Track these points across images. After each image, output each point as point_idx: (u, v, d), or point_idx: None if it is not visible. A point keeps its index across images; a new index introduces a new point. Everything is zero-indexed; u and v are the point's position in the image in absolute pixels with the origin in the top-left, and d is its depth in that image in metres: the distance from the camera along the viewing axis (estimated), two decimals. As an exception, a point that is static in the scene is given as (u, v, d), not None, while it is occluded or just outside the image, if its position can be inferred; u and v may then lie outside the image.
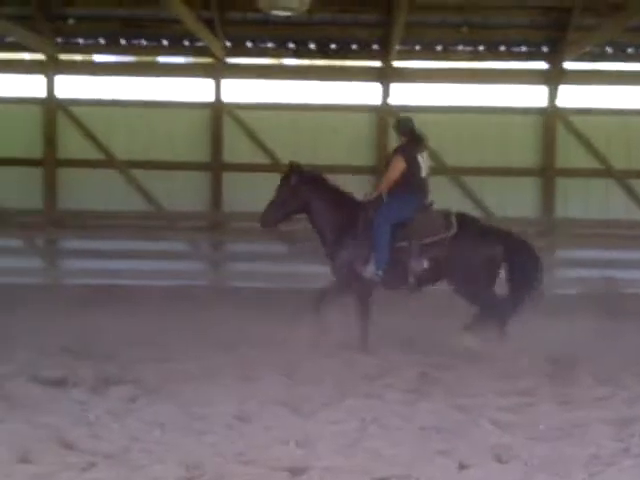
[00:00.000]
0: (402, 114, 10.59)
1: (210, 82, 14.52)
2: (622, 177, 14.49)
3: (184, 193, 14.49)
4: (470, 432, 6.37)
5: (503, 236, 9.52)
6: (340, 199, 9.89)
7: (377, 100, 14.54)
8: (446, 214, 9.55)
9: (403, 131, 9.78)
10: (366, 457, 5.79)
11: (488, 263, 9.30)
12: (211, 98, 14.52)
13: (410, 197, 9.58)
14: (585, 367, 8.56)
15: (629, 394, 7.60)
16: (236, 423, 6.51)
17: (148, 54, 14.51)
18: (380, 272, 9.36)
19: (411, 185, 9.58)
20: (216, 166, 14.51)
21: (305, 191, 9.85)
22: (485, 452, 5.89)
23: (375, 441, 6.14)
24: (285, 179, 9.97)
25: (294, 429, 6.34)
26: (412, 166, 9.58)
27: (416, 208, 9.56)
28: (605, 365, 8.62)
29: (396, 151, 9.74)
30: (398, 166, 9.55)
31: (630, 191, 14.52)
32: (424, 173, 9.70)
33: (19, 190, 14.45)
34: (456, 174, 14.44)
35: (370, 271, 9.38)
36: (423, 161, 9.68)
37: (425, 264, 9.32)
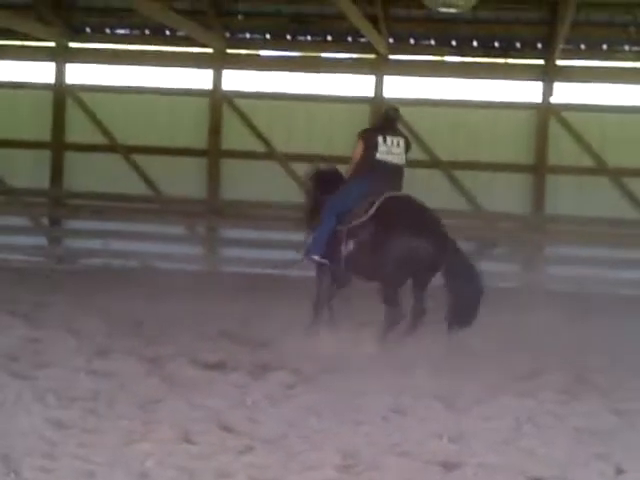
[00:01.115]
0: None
1: (371, 78, 14.65)
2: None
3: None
4: (627, 436, 6.28)
5: (426, 234, 8.81)
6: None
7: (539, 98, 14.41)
8: (379, 196, 9.07)
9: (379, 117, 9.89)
10: (520, 456, 5.78)
11: (393, 256, 8.77)
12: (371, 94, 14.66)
13: (357, 183, 9.27)
14: None
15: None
16: (391, 415, 6.59)
17: (313, 50, 14.74)
18: (315, 257, 9.26)
19: (363, 169, 9.26)
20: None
21: (319, 194, 9.82)
22: (641, 457, 5.80)
23: (529, 440, 6.11)
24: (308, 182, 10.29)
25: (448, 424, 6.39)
26: (369, 148, 9.26)
27: (363, 193, 9.16)
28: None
29: (358, 135, 9.50)
30: (357, 149, 9.34)
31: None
32: (384, 156, 9.23)
33: (185, 179, 14.93)
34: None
35: (304, 255, 9.47)
36: (386, 145, 9.24)
37: (351, 247, 9.05)
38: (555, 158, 14.34)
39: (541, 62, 14.40)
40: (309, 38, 14.68)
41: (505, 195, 14.42)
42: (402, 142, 9.37)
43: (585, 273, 13.83)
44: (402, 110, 14.19)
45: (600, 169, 14.26)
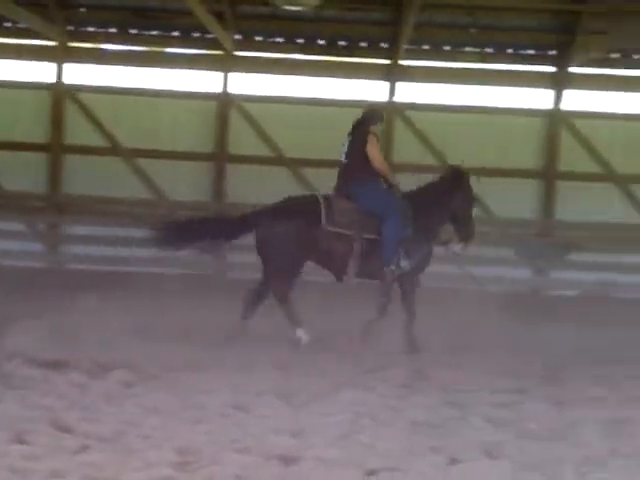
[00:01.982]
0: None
1: (218, 75, 14.60)
2: (624, 181, 14.57)
3: (186, 183, 14.60)
4: (461, 428, 6.43)
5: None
6: None
7: (384, 97, 14.59)
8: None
9: None
10: (359, 449, 5.84)
11: None
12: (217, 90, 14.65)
13: None
14: (579, 367, 8.62)
15: (622, 395, 7.66)
16: (232, 412, 6.58)
17: (158, 45, 14.57)
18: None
19: None
20: (222, 157, 14.58)
21: None
22: (476, 448, 5.94)
23: (368, 434, 6.19)
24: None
25: (288, 420, 6.41)
26: None
27: None
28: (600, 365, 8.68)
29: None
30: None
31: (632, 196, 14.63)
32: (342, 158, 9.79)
33: (23, 174, 14.54)
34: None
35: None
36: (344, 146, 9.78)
37: None
38: (399, 155, 14.56)
39: (386, 62, 14.57)
40: (154, 33, 14.49)
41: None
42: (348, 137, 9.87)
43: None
44: (249, 107, 14.52)
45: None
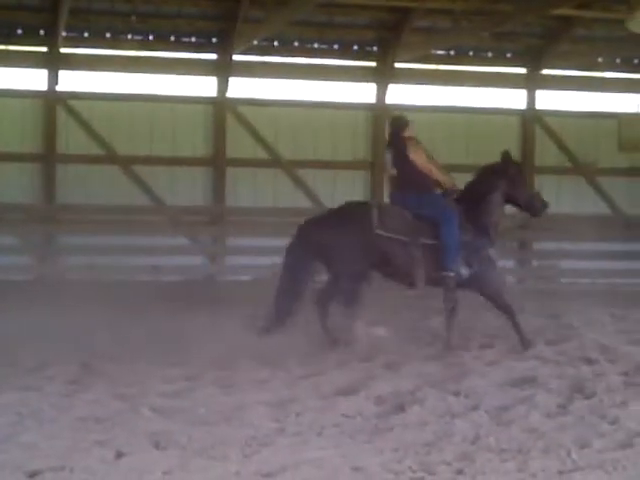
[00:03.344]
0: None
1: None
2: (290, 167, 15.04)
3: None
4: (129, 420, 6.33)
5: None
6: None
7: (44, 87, 14.18)
8: None
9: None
10: (21, 451, 5.61)
11: None
12: None
13: None
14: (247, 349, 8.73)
15: (288, 376, 7.84)
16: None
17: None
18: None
19: None
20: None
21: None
22: (143, 439, 5.86)
23: (31, 434, 5.95)
24: None
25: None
26: None
27: None
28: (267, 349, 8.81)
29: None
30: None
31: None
32: None
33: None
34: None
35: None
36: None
37: None
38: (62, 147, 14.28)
39: (45, 49, 14.11)
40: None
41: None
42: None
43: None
44: None
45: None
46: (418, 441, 5.81)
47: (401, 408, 6.69)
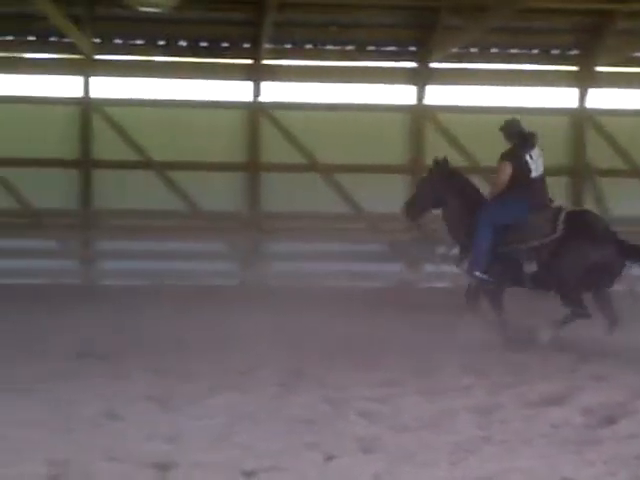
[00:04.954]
0: (507, 118, 10.03)
1: (79, 79, 14.36)
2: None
3: (52, 191, 14.40)
4: (337, 424, 6.44)
5: (614, 239, 9.45)
6: (473, 198, 9.93)
7: (248, 97, 14.58)
8: (556, 214, 9.55)
9: (509, 134, 9.79)
10: (236, 451, 5.80)
11: (591, 267, 9.32)
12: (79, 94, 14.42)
13: (515, 200, 9.58)
14: (448, 356, 8.74)
15: (491, 383, 7.80)
16: (103, 421, 6.45)
17: (15, 50, 14.23)
18: (478, 273, 9.49)
19: (519, 188, 9.57)
20: (86, 163, 14.40)
21: (442, 187, 9.95)
22: (351, 443, 5.96)
23: (245, 435, 6.15)
24: (428, 174, 10.21)
25: (163, 425, 6.32)
26: (519, 169, 9.59)
27: (525, 210, 9.56)
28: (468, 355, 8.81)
29: (502, 157, 9.72)
30: (505, 171, 9.59)
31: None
32: (535, 173, 9.67)
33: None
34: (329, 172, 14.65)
35: (466, 271, 9.57)
36: (533, 161, 9.65)
37: (534, 267, 9.43)
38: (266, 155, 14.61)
39: (249, 62, 14.54)
40: (10, 38, 14.13)
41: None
42: (539, 151, 9.67)
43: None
44: (112, 111, 14.33)
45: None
46: (631, 454, 5.69)
47: (610, 420, 6.56)
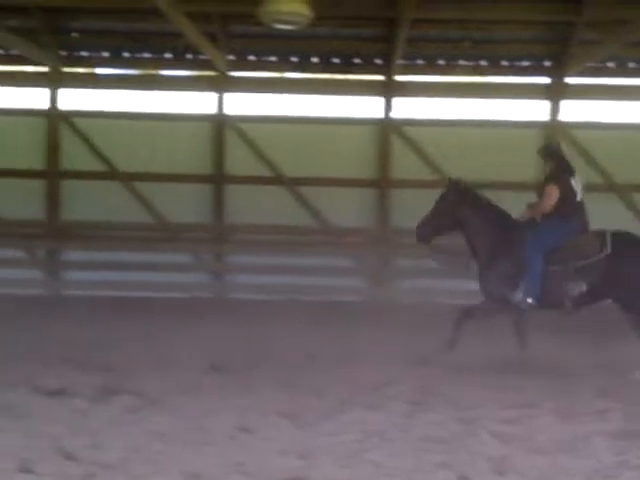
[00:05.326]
0: (549, 142, 10.06)
1: (213, 95, 14.61)
2: (626, 191, 14.55)
3: (186, 205, 14.59)
4: (469, 443, 6.37)
5: None
6: (496, 217, 9.87)
7: (379, 114, 14.60)
8: (601, 235, 9.52)
9: (550, 156, 9.77)
10: (367, 468, 5.79)
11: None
12: (214, 111, 14.64)
13: (564, 223, 9.54)
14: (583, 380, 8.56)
15: (627, 407, 7.60)
16: (237, 434, 6.52)
17: (151, 67, 14.57)
18: (530, 300, 9.42)
19: (566, 211, 9.55)
20: (219, 178, 14.62)
21: (462, 207, 9.86)
22: (484, 463, 5.89)
23: (376, 452, 6.13)
24: (444, 194, 10.03)
25: (294, 440, 6.35)
26: (566, 193, 9.57)
27: (571, 232, 9.54)
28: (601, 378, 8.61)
29: (549, 180, 9.67)
30: (553, 195, 9.53)
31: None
32: (579, 196, 9.66)
33: (21, 201, 14.54)
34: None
35: (519, 298, 9.45)
36: (576, 184, 9.64)
37: (583, 287, 9.36)
38: (397, 172, 14.59)
39: (380, 78, 14.57)
40: (147, 55, 14.50)
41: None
42: (578, 178, 9.72)
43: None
44: (245, 127, 14.54)
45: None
46: None
47: None
